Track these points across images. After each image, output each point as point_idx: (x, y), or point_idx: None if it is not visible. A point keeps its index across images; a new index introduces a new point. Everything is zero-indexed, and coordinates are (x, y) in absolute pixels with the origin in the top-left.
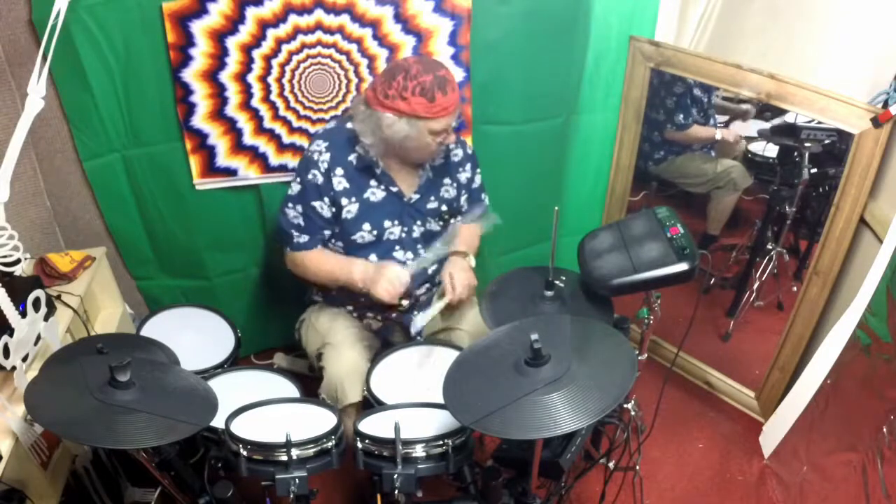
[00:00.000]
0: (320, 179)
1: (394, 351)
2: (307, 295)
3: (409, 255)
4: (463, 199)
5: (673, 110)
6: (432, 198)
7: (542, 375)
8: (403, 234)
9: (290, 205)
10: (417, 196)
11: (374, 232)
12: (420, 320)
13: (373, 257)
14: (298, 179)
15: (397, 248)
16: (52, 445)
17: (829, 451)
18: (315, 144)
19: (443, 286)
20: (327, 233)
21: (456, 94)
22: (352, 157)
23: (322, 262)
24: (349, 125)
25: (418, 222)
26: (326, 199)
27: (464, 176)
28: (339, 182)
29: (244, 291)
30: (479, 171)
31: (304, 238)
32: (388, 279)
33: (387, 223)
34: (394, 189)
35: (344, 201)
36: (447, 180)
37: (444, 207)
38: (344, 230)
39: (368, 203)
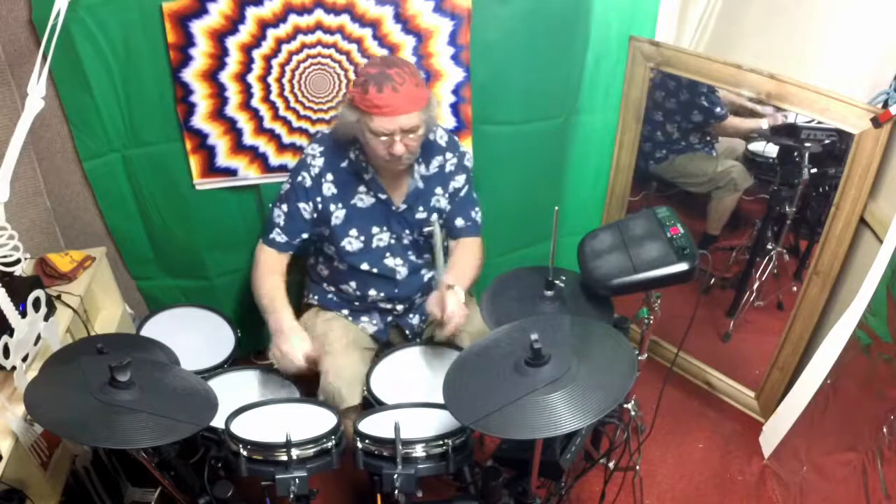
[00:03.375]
0: (309, 183)
1: (394, 351)
2: (303, 299)
3: (399, 261)
4: (449, 206)
5: (709, 107)
6: (421, 208)
7: (542, 375)
8: (393, 241)
9: (279, 202)
10: (405, 206)
11: (362, 238)
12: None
13: (364, 265)
14: (289, 179)
15: (387, 255)
16: (52, 445)
17: (829, 451)
18: (311, 148)
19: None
20: (305, 235)
21: (399, 95)
22: (344, 163)
23: (265, 280)
24: None
25: (407, 231)
26: (311, 203)
27: (453, 185)
28: (329, 188)
29: (244, 291)
30: (471, 180)
31: (283, 238)
32: (283, 352)
33: (374, 229)
34: (382, 196)
35: (332, 207)
36: (439, 189)
37: (433, 217)
38: (333, 236)
39: (355, 209)
